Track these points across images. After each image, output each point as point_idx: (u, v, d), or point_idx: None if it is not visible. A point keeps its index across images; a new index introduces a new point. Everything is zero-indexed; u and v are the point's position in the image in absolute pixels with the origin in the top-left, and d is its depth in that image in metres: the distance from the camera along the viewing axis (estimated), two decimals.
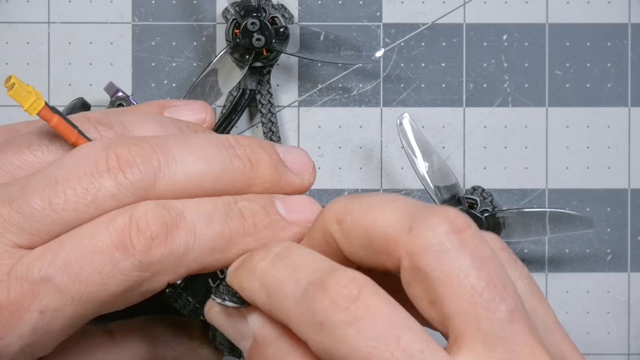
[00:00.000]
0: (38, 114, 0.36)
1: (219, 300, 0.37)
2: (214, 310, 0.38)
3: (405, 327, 0.32)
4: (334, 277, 0.33)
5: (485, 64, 0.52)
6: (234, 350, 0.41)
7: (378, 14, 0.52)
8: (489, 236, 0.35)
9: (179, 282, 0.40)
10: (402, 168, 0.52)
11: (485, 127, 0.52)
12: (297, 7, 0.52)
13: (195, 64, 0.51)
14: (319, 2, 0.52)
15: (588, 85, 0.52)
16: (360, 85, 0.52)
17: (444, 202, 0.49)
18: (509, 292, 0.33)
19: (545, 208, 0.51)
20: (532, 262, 0.52)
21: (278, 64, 0.52)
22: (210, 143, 0.37)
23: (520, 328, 0.32)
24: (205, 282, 0.40)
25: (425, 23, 0.52)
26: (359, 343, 0.32)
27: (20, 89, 0.36)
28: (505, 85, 0.52)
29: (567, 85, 0.52)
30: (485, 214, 0.49)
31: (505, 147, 0.52)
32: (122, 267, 0.35)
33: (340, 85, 0.52)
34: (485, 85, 0.52)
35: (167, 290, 0.40)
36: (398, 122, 0.48)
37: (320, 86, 0.52)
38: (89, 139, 0.37)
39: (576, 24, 0.52)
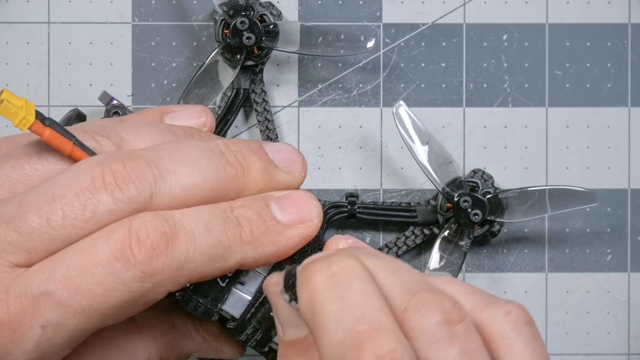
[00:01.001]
0: (29, 129, 0.36)
1: (286, 297, 0.37)
2: (277, 290, 0.37)
3: None
4: (374, 341, 0.32)
5: (485, 64, 0.52)
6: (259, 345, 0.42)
7: (378, 14, 0.52)
8: (514, 307, 0.36)
9: (188, 284, 0.40)
10: (402, 168, 0.52)
11: (485, 127, 0.52)
12: (297, 7, 0.52)
13: (195, 64, 0.51)
14: (319, 2, 0.52)
15: (588, 85, 0.52)
16: (360, 85, 0.52)
17: (446, 186, 0.49)
18: None
19: (545, 186, 0.51)
20: (532, 262, 0.52)
21: (278, 65, 0.52)
22: (202, 153, 0.37)
23: None
24: (215, 282, 0.40)
25: (425, 23, 0.52)
26: None
27: (8, 105, 0.35)
28: (505, 85, 0.52)
29: (567, 85, 0.52)
30: (487, 196, 0.49)
31: (505, 147, 0.52)
32: (124, 278, 0.35)
33: (340, 85, 0.52)
34: (485, 85, 0.52)
35: (177, 294, 0.40)
36: (394, 111, 0.48)
37: (320, 86, 0.52)
38: (86, 148, 0.37)
39: (576, 24, 0.52)
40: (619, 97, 0.52)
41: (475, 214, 0.48)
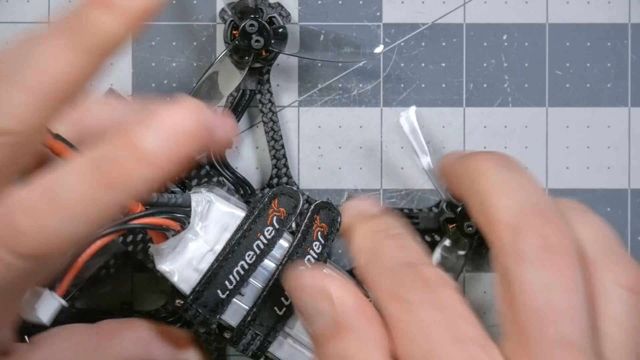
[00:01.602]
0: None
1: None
2: (297, 276, 0.38)
3: (470, 326, 0.34)
4: (426, 267, 0.36)
5: (485, 64, 0.52)
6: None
7: (378, 14, 0.52)
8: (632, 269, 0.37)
9: (188, 293, 0.40)
10: (402, 168, 0.52)
11: (485, 127, 0.52)
12: (297, 7, 0.52)
13: (195, 64, 0.51)
14: (319, 2, 0.52)
15: (588, 85, 0.52)
16: (360, 85, 0.52)
17: (450, 197, 0.49)
18: (579, 324, 0.34)
19: None
20: None
21: (278, 64, 0.52)
22: None
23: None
24: (215, 293, 0.40)
25: (425, 23, 0.52)
26: (423, 322, 0.34)
27: None
28: (505, 85, 0.52)
29: (567, 85, 0.52)
30: None
31: (505, 147, 0.52)
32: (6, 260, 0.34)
33: (340, 85, 0.52)
34: (485, 85, 0.52)
35: (177, 302, 0.40)
36: (404, 116, 0.48)
37: (320, 86, 0.52)
38: (76, 149, 0.38)
39: (576, 24, 0.52)
40: (619, 97, 0.52)
41: (469, 226, 0.48)
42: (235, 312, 0.42)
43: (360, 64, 0.52)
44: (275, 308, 0.42)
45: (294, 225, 0.43)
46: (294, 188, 0.44)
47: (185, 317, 0.41)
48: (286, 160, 0.50)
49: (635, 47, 0.52)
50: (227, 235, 0.42)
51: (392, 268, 0.36)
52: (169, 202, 0.41)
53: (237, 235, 0.42)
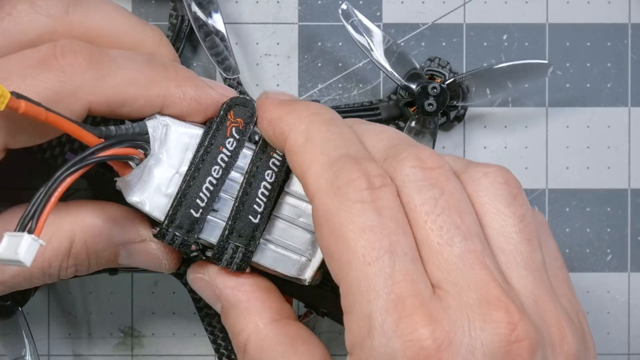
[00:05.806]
0: (7, 107, 0.37)
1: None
2: (194, 277, 0.43)
3: (402, 234, 0.36)
4: (371, 163, 0.37)
5: (485, 64, 0.52)
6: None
7: (378, 14, 0.52)
8: (493, 168, 0.39)
9: (162, 219, 0.41)
10: None
11: (485, 127, 0.52)
12: (297, 7, 0.52)
13: (195, 64, 0.51)
14: (319, 2, 0.52)
15: (588, 85, 0.52)
16: (360, 85, 0.52)
17: (404, 79, 0.49)
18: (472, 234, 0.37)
19: (502, 63, 0.51)
20: None
21: (278, 64, 0.52)
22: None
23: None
24: (188, 213, 0.41)
25: (425, 23, 0.52)
26: (359, 219, 0.35)
27: None
28: None
29: (567, 85, 0.52)
30: (447, 82, 0.49)
31: (506, 147, 0.52)
32: (45, 78, 0.38)
33: (340, 85, 0.52)
34: None
35: (152, 228, 0.42)
36: (340, 11, 0.48)
37: (320, 86, 0.52)
38: (57, 113, 0.38)
39: (576, 24, 0.52)
40: (619, 97, 0.52)
41: (430, 104, 0.48)
42: (213, 228, 0.42)
43: (360, 64, 0.52)
44: (250, 217, 0.42)
45: (256, 137, 0.43)
46: (247, 97, 0.44)
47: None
48: (239, 78, 0.50)
49: (635, 47, 0.52)
50: (190, 155, 0.42)
51: (335, 159, 0.37)
52: (127, 133, 0.41)
53: (200, 152, 0.42)
